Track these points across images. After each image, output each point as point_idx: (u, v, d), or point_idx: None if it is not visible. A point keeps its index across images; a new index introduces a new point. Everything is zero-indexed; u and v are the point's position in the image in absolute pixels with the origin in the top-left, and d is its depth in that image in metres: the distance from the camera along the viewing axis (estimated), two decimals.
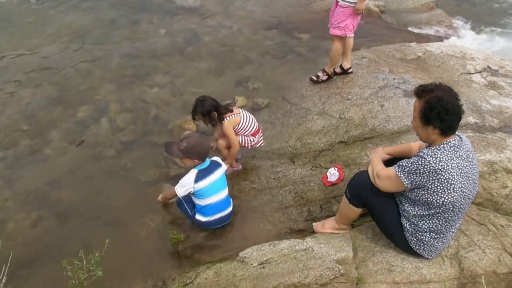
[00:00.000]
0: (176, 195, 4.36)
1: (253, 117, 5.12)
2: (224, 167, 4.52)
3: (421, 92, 3.09)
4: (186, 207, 4.45)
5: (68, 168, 5.40)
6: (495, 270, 3.23)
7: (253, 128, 5.05)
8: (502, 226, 3.60)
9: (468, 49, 7.29)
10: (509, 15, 10.77)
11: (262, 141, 5.25)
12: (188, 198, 4.41)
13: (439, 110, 2.96)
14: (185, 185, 4.25)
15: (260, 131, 5.19)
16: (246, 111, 5.11)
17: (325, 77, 6.19)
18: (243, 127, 4.97)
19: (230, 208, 4.52)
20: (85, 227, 4.61)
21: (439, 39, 8.93)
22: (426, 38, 8.74)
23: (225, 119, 4.85)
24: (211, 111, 4.77)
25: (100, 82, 7.02)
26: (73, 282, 3.15)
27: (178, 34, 8.52)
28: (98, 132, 5.99)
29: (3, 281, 3.12)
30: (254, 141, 5.10)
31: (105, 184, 5.18)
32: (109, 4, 9.62)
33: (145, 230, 4.52)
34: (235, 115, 4.92)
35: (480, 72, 6.44)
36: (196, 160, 4.30)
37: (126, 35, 8.44)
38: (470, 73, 6.39)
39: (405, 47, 7.24)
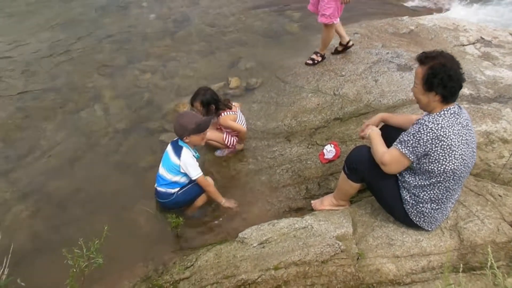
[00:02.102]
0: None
1: (245, 120, 5.15)
2: (176, 155, 4.31)
3: (424, 58, 3.09)
4: None
5: (64, 158, 5.37)
6: (494, 239, 3.24)
7: None
8: (500, 196, 3.61)
9: (460, 21, 7.25)
10: None
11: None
12: None
13: (443, 76, 2.97)
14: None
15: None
16: (241, 113, 5.13)
17: (319, 58, 6.16)
18: None
19: (159, 189, 4.41)
20: (84, 215, 4.60)
21: (432, 12, 8.87)
22: (418, 12, 8.69)
23: (222, 114, 4.87)
24: (210, 103, 4.78)
25: (91, 69, 6.96)
26: (74, 270, 3.14)
27: (168, 17, 8.44)
28: (92, 120, 5.96)
29: (5, 272, 3.12)
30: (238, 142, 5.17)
31: (101, 172, 5.17)
32: None
33: (144, 216, 4.52)
34: (233, 112, 4.94)
35: (473, 43, 6.42)
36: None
37: (116, 21, 8.35)
38: (463, 45, 6.37)
39: (398, 21, 7.19)
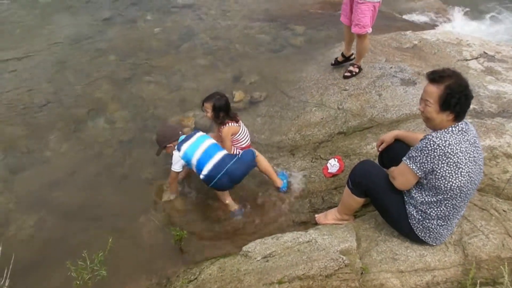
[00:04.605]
0: (176, 174, 4.68)
1: (248, 133, 5.17)
2: (206, 135, 4.70)
3: (438, 77, 3.05)
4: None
5: (68, 169, 5.38)
6: (499, 255, 3.23)
7: (246, 142, 5.11)
8: (504, 211, 3.60)
9: (463, 35, 7.28)
10: (504, 1, 10.73)
11: None
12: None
13: (460, 96, 2.97)
14: (175, 160, 4.52)
15: (251, 146, 5.25)
16: (245, 127, 5.15)
17: (357, 69, 6.07)
18: (238, 139, 5.03)
19: (221, 152, 4.51)
20: (88, 227, 4.61)
21: (435, 26, 8.92)
22: (422, 26, 8.73)
23: (227, 124, 4.89)
24: (221, 109, 4.82)
25: (96, 81, 6.99)
26: (77, 282, 3.14)
27: (173, 31, 8.49)
28: (96, 131, 5.98)
29: (6, 284, 3.11)
30: None
31: (105, 183, 5.18)
32: (104, 3, 9.56)
33: (147, 228, 4.53)
34: (237, 125, 4.97)
35: (476, 58, 6.43)
36: (173, 143, 4.59)
37: (121, 34, 8.39)
38: (466, 60, 6.38)
39: (401, 35, 7.21)
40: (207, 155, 4.43)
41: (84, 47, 7.97)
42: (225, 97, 4.88)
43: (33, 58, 7.62)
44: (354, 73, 6.05)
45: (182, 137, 4.59)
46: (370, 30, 5.56)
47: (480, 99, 5.27)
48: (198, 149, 4.45)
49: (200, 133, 4.64)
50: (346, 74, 6.08)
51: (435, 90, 3.04)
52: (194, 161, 4.43)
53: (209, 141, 4.58)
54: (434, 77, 3.08)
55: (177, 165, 4.53)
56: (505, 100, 5.24)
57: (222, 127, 4.91)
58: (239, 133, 4.97)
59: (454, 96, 2.97)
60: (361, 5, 5.33)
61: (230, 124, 4.89)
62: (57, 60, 7.56)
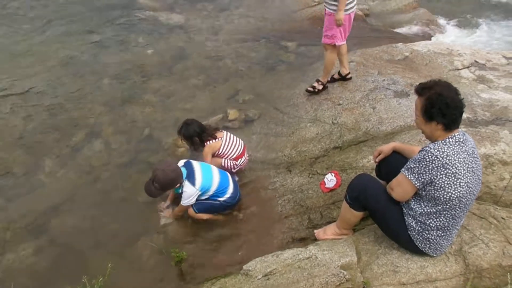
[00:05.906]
0: (186, 208, 4.65)
1: (238, 141, 5.23)
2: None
3: (421, 90, 3.15)
4: (205, 206, 4.69)
5: (65, 194, 5.36)
6: (500, 263, 3.22)
7: (235, 152, 5.16)
8: (503, 218, 3.59)
9: (454, 45, 7.34)
10: (491, 10, 10.87)
11: (246, 160, 5.38)
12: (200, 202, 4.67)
13: (440, 106, 3.01)
14: (190, 195, 4.48)
15: (245, 154, 5.31)
16: (232, 135, 5.21)
17: (320, 87, 6.11)
18: (223, 152, 5.11)
19: (226, 176, 4.82)
20: (87, 252, 4.58)
21: (425, 37, 8.99)
22: (412, 38, 8.80)
23: (206, 143, 5.01)
24: (192, 136, 4.96)
25: (91, 105, 6.99)
26: None
27: (165, 52, 8.52)
28: (92, 155, 5.97)
29: None
30: (237, 165, 5.23)
31: (103, 207, 5.15)
32: (95, 27, 9.60)
33: (147, 251, 4.50)
34: (217, 139, 5.06)
35: (468, 67, 6.48)
36: (178, 185, 4.52)
37: (114, 57, 8.41)
38: (458, 69, 6.43)
39: (392, 48, 7.26)
40: (224, 178, 4.69)
41: (77, 71, 7.97)
42: (193, 124, 5.01)
43: (26, 83, 7.61)
44: (316, 89, 6.10)
45: (184, 171, 4.52)
46: (339, 42, 5.66)
47: (473, 107, 5.30)
48: (213, 176, 4.62)
49: (196, 161, 4.72)
50: (309, 88, 6.16)
51: (418, 103, 3.16)
52: (213, 188, 4.59)
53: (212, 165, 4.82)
54: (418, 90, 3.18)
55: (192, 200, 4.54)
56: (498, 107, 5.27)
57: (203, 148, 5.01)
58: (222, 147, 5.07)
59: (434, 106, 3.03)
60: (329, 16, 5.52)
61: (208, 142, 5.00)
62: (51, 85, 7.56)
